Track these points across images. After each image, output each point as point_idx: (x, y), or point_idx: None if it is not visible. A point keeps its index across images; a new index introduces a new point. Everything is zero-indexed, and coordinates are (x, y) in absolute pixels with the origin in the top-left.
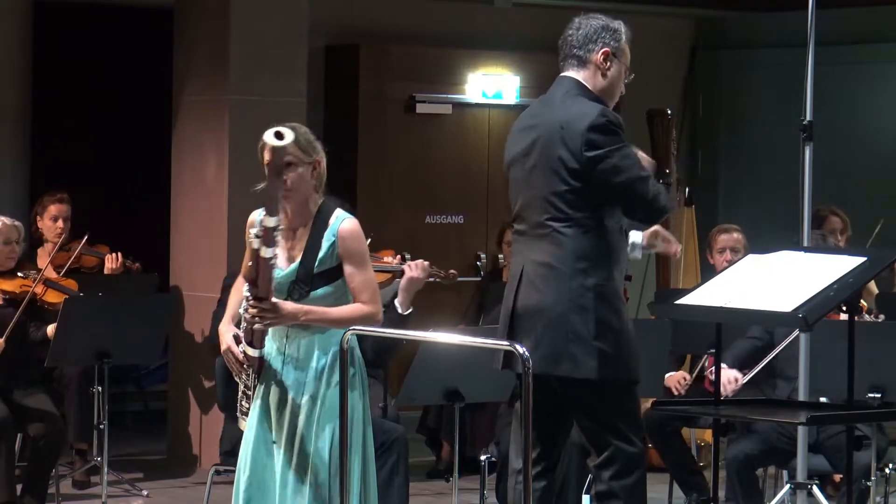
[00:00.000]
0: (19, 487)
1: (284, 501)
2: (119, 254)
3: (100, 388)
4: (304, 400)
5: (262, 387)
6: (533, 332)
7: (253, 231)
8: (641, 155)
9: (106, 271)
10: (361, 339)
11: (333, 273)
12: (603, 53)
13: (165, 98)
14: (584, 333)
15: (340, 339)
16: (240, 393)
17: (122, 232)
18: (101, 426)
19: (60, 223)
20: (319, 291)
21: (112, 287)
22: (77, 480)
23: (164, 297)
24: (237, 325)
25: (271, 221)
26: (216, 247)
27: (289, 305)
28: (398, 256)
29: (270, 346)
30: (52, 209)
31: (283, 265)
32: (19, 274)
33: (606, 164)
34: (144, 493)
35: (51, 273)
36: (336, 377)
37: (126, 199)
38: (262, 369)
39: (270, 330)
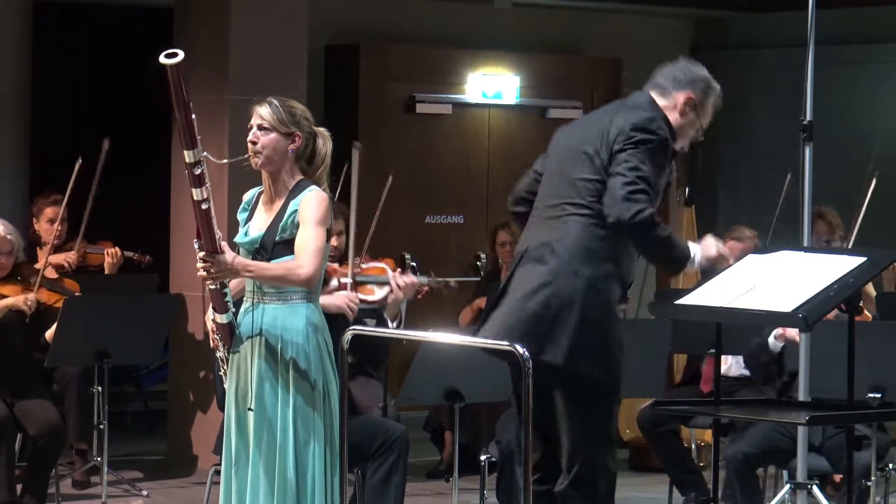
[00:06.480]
0: (19, 487)
1: (256, 470)
2: (117, 249)
3: (100, 388)
4: (264, 353)
5: (233, 356)
6: (521, 312)
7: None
8: (707, 244)
9: (107, 269)
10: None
11: (294, 244)
12: (686, 97)
13: (165, 98)
14: (566, 322)
15: (341, 339)
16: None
17: (123, 232)
18: (101, 426)
19: (57, 225)
20: (279, 260)
21: (112, 287)
22: (77, 480)
23: (164, 297)
24: None
25: (190, 156)
26: None
27: (228, 257)
28: (398, 270)
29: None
30: (48, 212)
31: (253, 233)
32: (19, 278)
33: (619, 157)
34: (144, 493)
35: (51, 274)
36: (290, 345)
37: (126, 199)
38: (232, 337)
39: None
